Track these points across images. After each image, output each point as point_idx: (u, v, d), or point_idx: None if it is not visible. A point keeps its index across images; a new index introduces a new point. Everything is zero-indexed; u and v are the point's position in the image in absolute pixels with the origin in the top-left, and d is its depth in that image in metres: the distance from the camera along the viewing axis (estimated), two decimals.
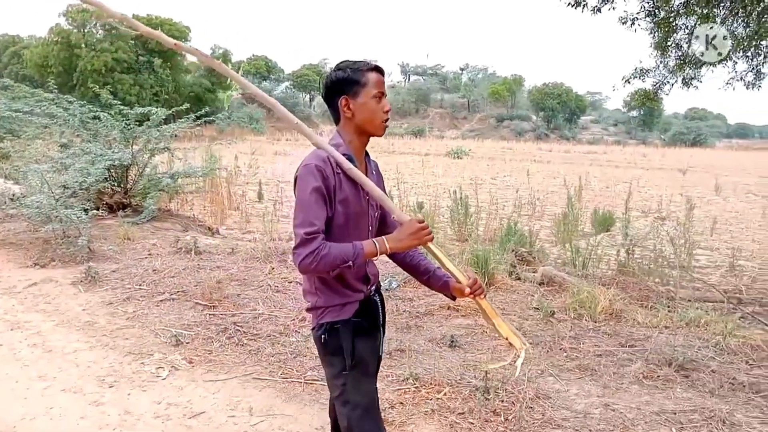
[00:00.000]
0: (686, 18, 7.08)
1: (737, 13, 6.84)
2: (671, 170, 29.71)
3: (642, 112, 76.28)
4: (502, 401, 3.51)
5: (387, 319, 2.30)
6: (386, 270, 5.93)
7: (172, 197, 10.56)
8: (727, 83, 7.37)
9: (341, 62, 2.07)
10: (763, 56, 7.11)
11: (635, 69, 7.60)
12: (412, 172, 21.80)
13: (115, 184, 9.27)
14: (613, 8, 6.91)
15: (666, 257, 7.09)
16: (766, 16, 6.58)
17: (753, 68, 7.23)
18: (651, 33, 7.27)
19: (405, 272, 2.36)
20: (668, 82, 7.54)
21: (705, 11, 6.83)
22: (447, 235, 8.84)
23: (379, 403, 2.16)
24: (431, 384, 3.72)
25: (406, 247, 1.98)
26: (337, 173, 1.94)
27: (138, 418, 3.40)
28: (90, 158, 8.21)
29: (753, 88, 7.50)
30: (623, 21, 7.16)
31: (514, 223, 8.35)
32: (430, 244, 1.99)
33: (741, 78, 7.27)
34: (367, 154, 2.17)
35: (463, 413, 3.39)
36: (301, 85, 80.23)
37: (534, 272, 6.49)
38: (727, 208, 16.09)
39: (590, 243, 7.43)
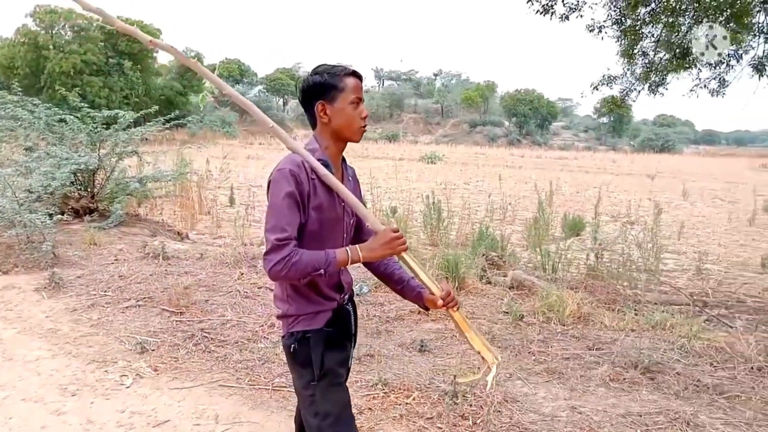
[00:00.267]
0: (652, 26, 7.21)
1: (701, 21, 6.99)
2: (640, 176, 30.21)
3: (612, 119, 77.50)
4: (471, 405, 3.51)
5: (357, 325, 2.27)
6: (357, 275, 5.91)
7: (141, 202, 10.41)
8: (690, 90, 7.52)
9: (318, 66, 2.03)
10: (725, 64, 7.28)
11: (603, 76, 7.71)
12: (386, 176, 21.80)
13: (82, 189, 9.10)
14: (581, 16, 7.02)
15: (634, 261, 7.20)
16: (729, 25, 6.73)
17: (716, 76, 7.39)
18: (618, 41, 7.39)
19: (378, 279, 2.33)
20: (635, 89, 7.66)
21: (670, 20, 6.96)
22: (420, 239, 8.86)
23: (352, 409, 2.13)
24: (400, 389, 3.71)
25: (379, 257, 1.96)
26: (312, 179, 1.91)
27: (100, 427, 3.33)
28: (55, 162, 8.06)
29: (717, 95, 7.66)
30: (591, 29, 7.27)
31: (486, 228, 8.40)
32: (404, 254, 1.97)
33: (704, 86, 7.43)
34: (344, 159, 2.13)
35: (431, 418, 3.39)
36: (275, 89, 79.87)
37: (504, 276, 6.53)
38: (694, 213, 16.42)
39: (560, 247, 7.51)
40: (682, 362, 4.29)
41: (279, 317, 2.08)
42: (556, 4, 6.93)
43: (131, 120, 9.13)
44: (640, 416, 3.47)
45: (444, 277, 5.89)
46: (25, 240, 6.68)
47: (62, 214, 7.61)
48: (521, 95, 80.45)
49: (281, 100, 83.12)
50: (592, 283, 6.42)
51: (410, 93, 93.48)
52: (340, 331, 2.08)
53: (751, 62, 7.38)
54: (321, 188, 1.94)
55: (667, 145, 74.14)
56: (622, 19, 7.19)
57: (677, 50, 6.95)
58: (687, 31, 7.15)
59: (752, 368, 4.23)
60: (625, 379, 4.00)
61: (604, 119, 79.42)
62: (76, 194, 9.00)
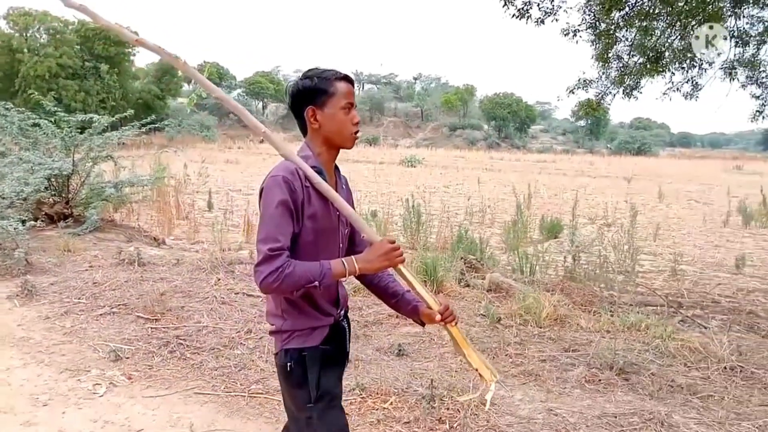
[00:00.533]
0: (626, 30, 7.31)
1: (674, 26, 7.10)
2: (617, 178, 30.57)
3: (589, 122, 78.34)
4: (448, 409, 3.51)
5: (350, 342, 2.18)
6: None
7: (117, 207, 10.29)
8: (664, 94, 7.64)
9: (308, 70, 1.96)
10: (698, 68, 7.40)
11: (579, 80, 7.79)
12: (366, 180, 21.81)
13: (56, 194, 8.96)
14: (556, 20, 7.08)
15: (610, 263, 7.27)
16: (702, 29, 6.85)
17: (689, 79, 7.51)
18: (592, 45, 7.48)
19: (370, 292, 2.24)
20: (610, 92, 7.75)
21: (644, 24, 7.07)
22: (399, 243, 8.85)
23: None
24: (377, 394, 3.70)
25: (376, 269, 1.89)
26: (306, 186, 1.83)
27: None
28: (29, 167, 7.93)
29: (691, 98, 7.79)
30: (566, 33, 7.34)
31: (465, 231, 8.44)
32: (401, 267, 1.89)
33: (677, 89, 7.54)
34: (337, 168, 2.06)
35: (408, 422, 3.38)
36: (254, 93, 79.53)
37: (482, 279, 6.56)
38: (669, 215, 16.65)
39: (538, 249, 7.56)
40: (656, 363, 4.34)
41: (272, 333, 1.97)
42: (531, 8, 6.99)
43: (107, 124, 9.01)
44: (615, 417, 3.50)
45: (423, 280, 5.90)
46: None
47: (35, 220, 7.49)
48: (500, 99, 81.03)
49: (260, 103, 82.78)
50: (569, 285, 6.47)
51: (390, 97, 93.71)
52: (336, 349, 1.99)
53: (723, 66, 7.52)
54: (315, 197, 1.86)
55: (644, 147, 75.08)
56: (597, 23, 7.27)
57: (651, 54, 7.05)
58: (660, 35, 7.26)
59: (725, 368, 4.30)
60: (600, 380, 4.03)
61: (582, 122, 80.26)
62: (50, 200, 8.86)
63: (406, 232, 9.41)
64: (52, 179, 8.62)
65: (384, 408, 3.53)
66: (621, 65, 7.54)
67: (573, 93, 7.91)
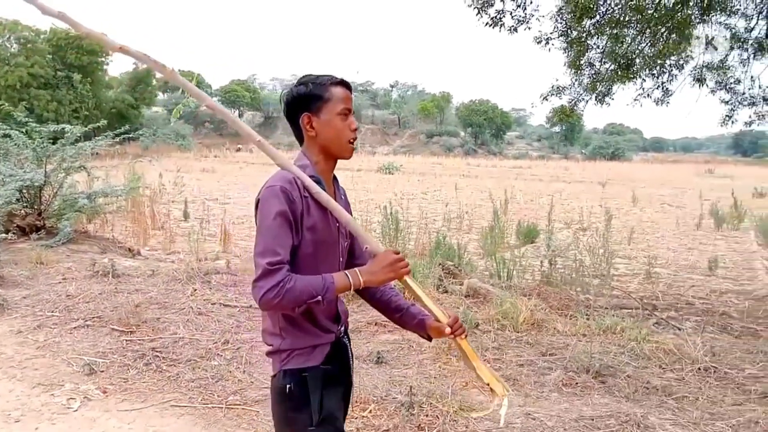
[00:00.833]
0: (597, 38, 7.43)
1: (644, 33, 7.24)
2: (591, 183, 30.94)
3: (563, 128, 79.19)
4: (427, 416, 3.52)
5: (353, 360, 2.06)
6: None
7: (91, 218, 10.14)
8: (635, 100, 7.77)
9: (303, 76, 1.87)
10: (668, 74, 7.55)
11: (552, 87, 7.89)
12: (344, 188, 21.76)
13: (28, 206, 8.81)
14: (529, 28, 7.17)
15: (586, 267, 7.35)
16: (671, 36, 6.99)
17: (660, 85, 7.65)
18: (565, 52, 7.59)
19: (373, 308, 2.12)
20: (583, 99, 7.87)
21: (615, 32, 7.19)
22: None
23: None
24: (357, 402, 3.69)
25: (381, 281, 1.80)
26: (304, 197, 1.74)
27: None
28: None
29: (662, 104, 7.93)
30: (538, 41, 7.44)
31: (443, 237, 8.47)
32: (407, 278, 1.81)
33: (648, 95, 7.68)
34: (335, 178, 1.97)
35: (388, 430, 3.38)
36: (230, 101, 79.02)
37: (460, 285, 6.58)
38: (643, 218, 16.89)
39: (515, 255, 7.62)
40: (632, 365, 4.40)
41: (270, 354, 1.85)
42: (504, 16, 7.08)
43: (80, 134, 8.90)
44: (593, 420, 3.54)
45: (401, 288, 5.89)
46: None
47: (7, 232, 7.36)
48: (476, 106, 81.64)
49: (237, 112, 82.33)
50: (545, 289, 6.53)
51: (367, 104, 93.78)
52: (339, 368, 1.89)
53: (692, 72, 7.68)
54: (315, 207, 1.77)
55: (617, 152, 76.09)
56: (569, 31, 7.38)
57: (622, 61, 7.17)
58: (631, 43, 7.39)
59: (699, 369, 4.37)
60: (577, 383, 4.07)
61: (556, 128, 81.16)
62: (21, 212, 8.71)
63: (385, 239, 9.40)
64: (24, 191, 8.48)
65: (363, 416, 3.53)
66: (593, 72, 7.66)
67: (547, 100, 8.02)
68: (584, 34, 7.32)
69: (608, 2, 7.10)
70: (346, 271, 1.76)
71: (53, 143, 8.78)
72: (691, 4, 6.88)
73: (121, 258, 7.82)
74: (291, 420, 1.81)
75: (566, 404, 3.78)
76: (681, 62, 7.67)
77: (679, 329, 5.69)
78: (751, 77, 7.79)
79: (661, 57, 7.21)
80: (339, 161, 1.93)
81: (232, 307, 5.58)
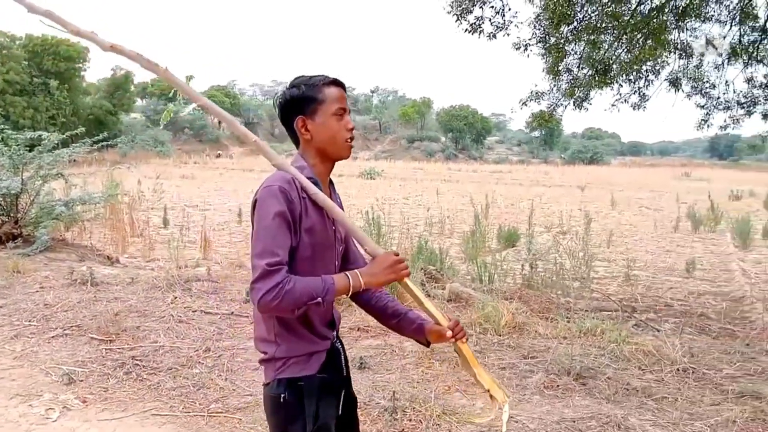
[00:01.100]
0: (575, 44, 7.52)
1: (621, 39, 7.35)
2: (571, 187, 31.24)
3: (543, 133, 79.86)
4: (410, 420, 3.52)
5: (349, 366, 2.03)
6: None
7: (69, 226, 10.00)
8: (612, 105, 7.88)
9: (295, 78, 1.84)
10: (644, 79, 7.66)
11: (531, 92, 7.97)
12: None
13: (4, 214, 8.67)
14: (508, 34, 7.23)
15: (566, 270, 7.42)
16: (647, 42, 7.10)
17: (636, 91, 7.77)
18: (543, 58, 7.67)
19: (366, 312, 2.07)
20: (562, 104, 7.95)
21: (592, 38, 7.28)
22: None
23: None
24: None
25: (381, 283, 1.77)
26: (303, 197, 1.71)
27: None
28: None
29: (639, 109, 8.05)
30: (517, 47, 7.51)
31: (425, 242, 8.49)
32: (406, 280, 1.78)
33: (626, 100, 7.79)
34: (331, 182, 1.93)
35: None
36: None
37: (442, 289, 6.60)
38: (622, 221, 17.08)
39: (496, 258, 7.67)
40: (612, 367, 4.44)
41: (263, 361, 1.80)
42: (483, 23, 7.13)
43: (57, 141, 8.79)
44: (574, 422, 3.57)
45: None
46: None
47: None
48: (456, 111, 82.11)
49: (216, 118, 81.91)
50: (526, 292, 6.57)
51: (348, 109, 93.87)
52: (334, 376, 1.84)
53: (668, 77, 7.81)
54: (313, 209, 1.74)
55: (596, 156, 76.92)
56: (547, 37, 7.46)
57: (599, 67, 7.26)
58: (608, 49, 7.50)
59: (678, 370, 4.43)
60: (558, 386, 4.10)
61: (536, 133, 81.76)
62: None
63: None
64: (0, 199, 8.35)
65: None
66: (571, 78, 7.74)
67: (526, 105, 8.08)
68: (562, 41, 7.40)
69: (585, 9, 7.19)
70: (346, 273, 1.74)
71: (30, 150, 8.66)
72: (666, 10, 7.01)
73: (100, 266, 7.72)
74: (285, 431, 1.77)
75: (548, 406, 3.81)
76: (657, 68, 7.79)
77: (658, 331, 5.76)
78: (726, 82, 7.96)
79: (637, 63, 7.31)
80: (337, 163, 1.91)
81: (213, 315, 5.54)
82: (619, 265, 9.87)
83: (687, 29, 7.55)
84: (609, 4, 7.06)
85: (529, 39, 7.50)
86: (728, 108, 7.97)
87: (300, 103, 1.81)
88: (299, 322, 1.74)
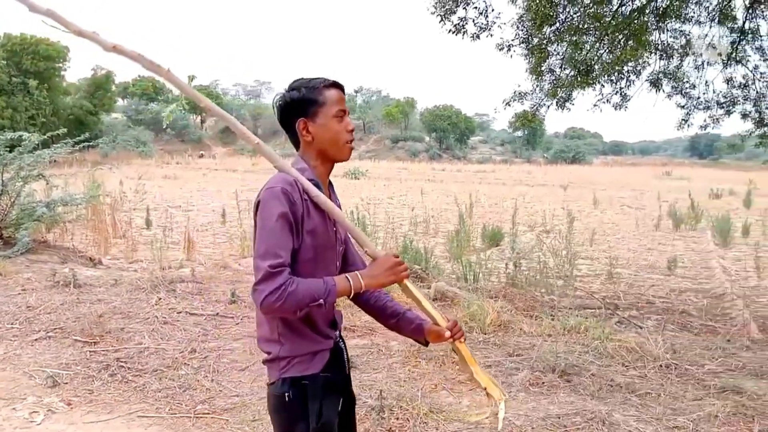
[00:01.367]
0: (557, 45, 7.58)
1: (603, 40, 7.42)
2: (554, 186, 31.46)
3: (526, 133, 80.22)
4: (397, 419, 3.54)
5: (350, 366, 2.06)
6: None
7: (50, 227, 9.89)
8: (594, 105, 7.96)
9: (295, 80, 1.86)
10: (625, 80, 7.75)
11: (514, 92, 8.00)
12: None
13: None
14: (491, 35, 7.27)
15: (550, 268, 7.50)
16: (629, 43, 7.18)
17: (618, 91, 7.85)
18: (526, 58, 7.72)
19: (365, 312, 2.09)
20: (544, 104, 8.00)
21: (574, 39, 7.35)
22: None
23: None
24: None
25: (381, 284, 1.80)
26: (305, 199, 1.72)
27: None
28: None
29: (620, 109, 8.13)
30: (500, 47, 7.55)
31: (410, 241, 8.53)
32: (406, 282, 1.82)
33: (607, 100, 7.87)
34: (331, 183, 1.95)
35: None
36: (193, 107, 77.93)
37: (428, 288, 6.63)
38: (604, 220, 17.26)
39: (481, 258, 7.72)
40: (596, 363, 4.50)
41: (267, 362, 1.82)
42: (467, 24, 7.16)
43: (38, 142, 8.68)
44: (559, 418, 3.61)
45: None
46: None
47: None
48: (440, 111, 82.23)
49: (198, 118, 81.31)
50: (511, 291, 6.63)
51: None
52: (337, 375, 1.87)
53: (649, 77, 7.90)
54: (314, 211, 1.75)
55: (578, 156, 77.48)
56: (529, 38, 7.51)
57: (581, 67, 7.33)
58: (590, 49, 7.57)
59: (661, 366, 4.50)
60: (543, 383, 4.15)
61: (519, 133, 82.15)
62: None
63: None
64: None
65: None
66: (553, 78, 7.80)
67: (509, 105, 8.13)
68: (545, 41, 7.45)
69: (567, 10, 7.26)
70: (347, 275, 1.76)
71: (10, 151, 8.55)
72: (647, 11, 7.09)
73: (83, 267, 7.66)
74: (289, 429, 1.79)
75: (533, 403, 3.85)
76: (638, 68, 7.87)
77: (641, 328, 5.84)
78: (706, 82, 8.07)
79: (619, 63, 7.39)
80: (336, 164, 1.93)
81: (198, 316, 5.52)
82: (601, 264, 9.98)
83: (667, 30, 7.65)
84: (591, 5, 7.13)
85: (512, 40, 7.55)
86: (708, 108, 8.08)
87: (301, 105, 1.82)
88: (302, 322, 1.76)
